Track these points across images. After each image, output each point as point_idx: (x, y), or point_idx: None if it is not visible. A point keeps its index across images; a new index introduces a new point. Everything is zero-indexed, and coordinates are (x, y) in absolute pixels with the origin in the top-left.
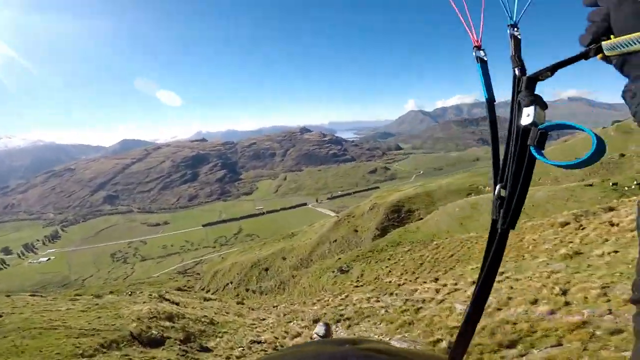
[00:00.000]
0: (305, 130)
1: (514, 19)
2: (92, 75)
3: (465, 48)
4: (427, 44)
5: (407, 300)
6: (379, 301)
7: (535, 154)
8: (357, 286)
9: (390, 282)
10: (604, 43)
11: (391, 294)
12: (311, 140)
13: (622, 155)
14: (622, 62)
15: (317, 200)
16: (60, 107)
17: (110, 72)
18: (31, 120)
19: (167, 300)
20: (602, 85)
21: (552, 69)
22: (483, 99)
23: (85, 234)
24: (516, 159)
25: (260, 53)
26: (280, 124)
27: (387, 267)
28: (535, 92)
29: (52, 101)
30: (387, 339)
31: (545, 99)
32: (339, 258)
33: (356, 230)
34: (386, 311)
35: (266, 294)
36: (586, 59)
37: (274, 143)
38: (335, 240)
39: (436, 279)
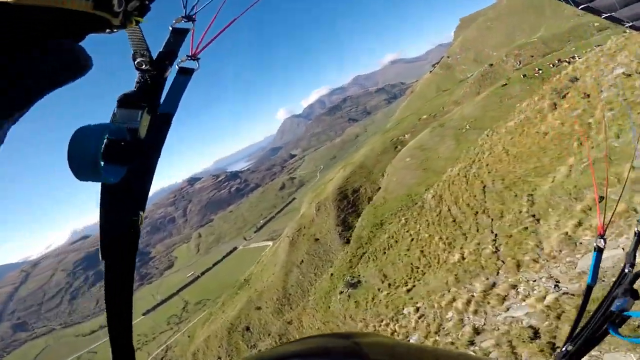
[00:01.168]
0: (194, 180)
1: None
2: None
3: (308, 44)
4: (273, 50)
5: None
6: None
7: (613, 332)
8: (407, 289)
9: (445, 260)
10: None
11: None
12: (206, 187)
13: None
14: None
15: (245, 239)
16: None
17: None
18: None
19: None
20: (408, 41)
21: None
22: (335, 86)
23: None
24: (593, 331)
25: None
26: (162, 186)
27: (406, 250)
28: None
29: None
30: None
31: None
32: (331, 274)
33: (317, 239)
34: None
35: None
36: None
37: (167, 208)
38: (302, 262)
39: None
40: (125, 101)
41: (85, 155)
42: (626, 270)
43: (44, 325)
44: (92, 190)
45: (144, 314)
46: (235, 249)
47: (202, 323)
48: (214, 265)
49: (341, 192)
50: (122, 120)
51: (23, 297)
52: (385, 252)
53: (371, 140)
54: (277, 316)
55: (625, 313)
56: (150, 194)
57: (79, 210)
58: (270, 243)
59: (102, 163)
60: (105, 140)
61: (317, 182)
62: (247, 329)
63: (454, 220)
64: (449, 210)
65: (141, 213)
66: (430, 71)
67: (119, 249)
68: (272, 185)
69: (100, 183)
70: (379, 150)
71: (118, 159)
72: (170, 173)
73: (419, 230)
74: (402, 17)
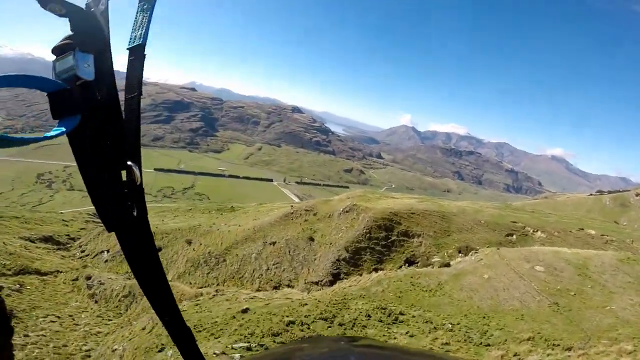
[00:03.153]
0: (297, 110)
1: None
2: None
3: (473, 81)
4: (441, 66)
5: None
6: None
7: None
8: None
9: None
10: None
11: None
12: (299, 121)
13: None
14: None
15: (284, 180)
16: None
17: None
18: (28, 33)
19: None
20: (585, 152)
21: None
22: (475, 134)
23: (24, 146)
24: None
25: (275, 22)
26: (275, 97)
27: None
28: None
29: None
30: None
31: (529, 151)
32: (258, 289)
33: (312, 239)
34: None
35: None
36: None
37: (261, 112)
38: (274, 243)
39: None
40: (56, 49)
41: None
42: None
43: None
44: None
45: (155, 169)
46: (270, 180)
47: (157, 212)
48: (243, 177)
49: (389, 220)
50: (60, 72)
51: None
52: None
53: (484, 202)
54: (186, 266)
55: None
56: (261, 95)
57: (212, 73)
58: (296, 199)
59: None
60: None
61: (375, 191)
62: (159, 249)
63: None
64: None
65: (132, 165)
66: (591, 194)
67: (122, 214)
68: (344, 163)
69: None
70: (488, 218)
71: (62, 111)
72: (287, 92)
73: None
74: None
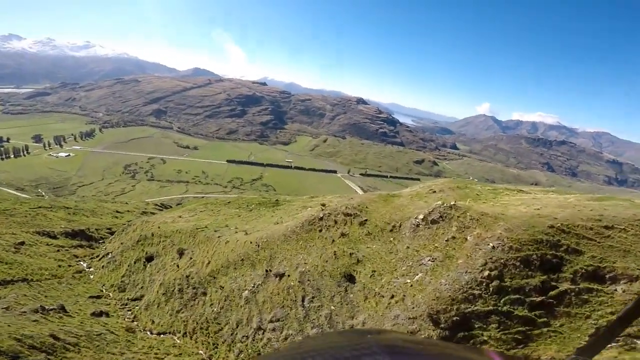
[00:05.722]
0: (361, 101)
1: None
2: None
3: (563, 62)
4: (523, 49)
5: None
6: None
7: None
8: None
9: None
10: None
11: None
12: (364, 113)
13: None
14: None
15: (348, 172)
16: (153, 25)
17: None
18: (121, 31)
19: None
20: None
21: None
22: (566, 123)
23: (118, 138)
24: None
25: (346, 15)
26: (341, 90)
27: None
28: None
29: (146, 16)
30: None
31: (635, 141)
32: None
33: (351, 278)
34: None
35: None
36: None
37: (327, 104)
38: (282, 276)
39: None
40: None
41: None
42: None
43: (171, 122)
44: None
45: (228, 161)
46: (335, 172)
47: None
48: (308, 169)
49: (554, 244)
50: None
51: (187, 95)
52: None
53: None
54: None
55: None
56: (328, 88)
57: (284, 68)
58: (360, 191)
59: None
60: None
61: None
62: (150, 259)
63: None
64: None
65: None
66: None
67: None
68: (414, 154)
69: None
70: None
71: None
72: (354, 84)
73: None
74: None
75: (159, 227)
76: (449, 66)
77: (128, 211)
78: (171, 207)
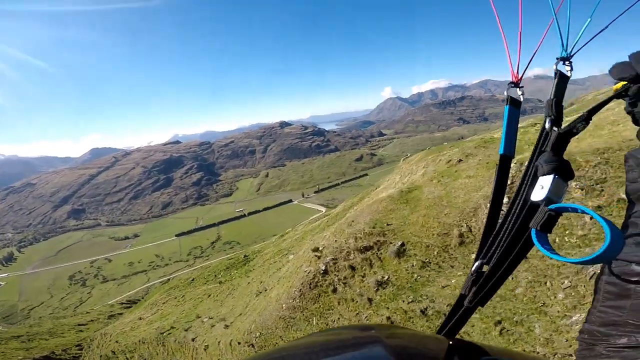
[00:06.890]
0: (285, 124)
1: (569, 50)
2: (59, 86)
3: (438, 34)
4: (402, 32)
5: None
6: None
7: (536, 242)
8: None
9: None
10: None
11: None
12: (292, 134)
13: None
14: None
15: (303, 195)
16: (23, 120)
17: (78, 83)
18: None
19: None
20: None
21: (588, 118)
22: (456, 82)
23: (45, 254)
24: (510, 238)
25: (238, 52)
26: (260, 121)
27: None
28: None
29: (12, 114)
30: None
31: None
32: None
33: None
34: None
35: None
36: (619, 98)
37: (252, 140)
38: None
39: None
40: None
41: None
42: (546, 127)
43: (94, 218)
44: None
45: (177, 235)
46: (290, 201)
47: (164, 294)
48: (263, 209)
49: None
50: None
51: (97, 184)
52: None
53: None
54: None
55: (553, 206)
56: (246, 124)
57: (192, 121)
58: (324, 209)
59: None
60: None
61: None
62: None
63: None
64: None
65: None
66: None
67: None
68: (351, 153)
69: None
70: None
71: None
72: (270, 112)
73: None
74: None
75: (117, 342)
76: (343, 63)
77: (92, 321)
78: (140, 300)
